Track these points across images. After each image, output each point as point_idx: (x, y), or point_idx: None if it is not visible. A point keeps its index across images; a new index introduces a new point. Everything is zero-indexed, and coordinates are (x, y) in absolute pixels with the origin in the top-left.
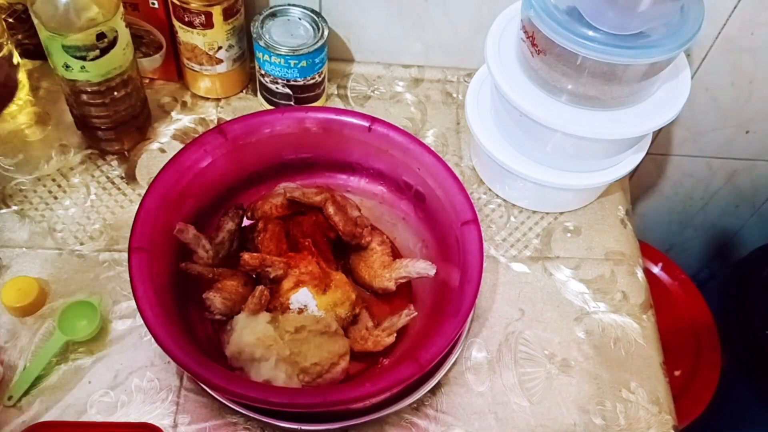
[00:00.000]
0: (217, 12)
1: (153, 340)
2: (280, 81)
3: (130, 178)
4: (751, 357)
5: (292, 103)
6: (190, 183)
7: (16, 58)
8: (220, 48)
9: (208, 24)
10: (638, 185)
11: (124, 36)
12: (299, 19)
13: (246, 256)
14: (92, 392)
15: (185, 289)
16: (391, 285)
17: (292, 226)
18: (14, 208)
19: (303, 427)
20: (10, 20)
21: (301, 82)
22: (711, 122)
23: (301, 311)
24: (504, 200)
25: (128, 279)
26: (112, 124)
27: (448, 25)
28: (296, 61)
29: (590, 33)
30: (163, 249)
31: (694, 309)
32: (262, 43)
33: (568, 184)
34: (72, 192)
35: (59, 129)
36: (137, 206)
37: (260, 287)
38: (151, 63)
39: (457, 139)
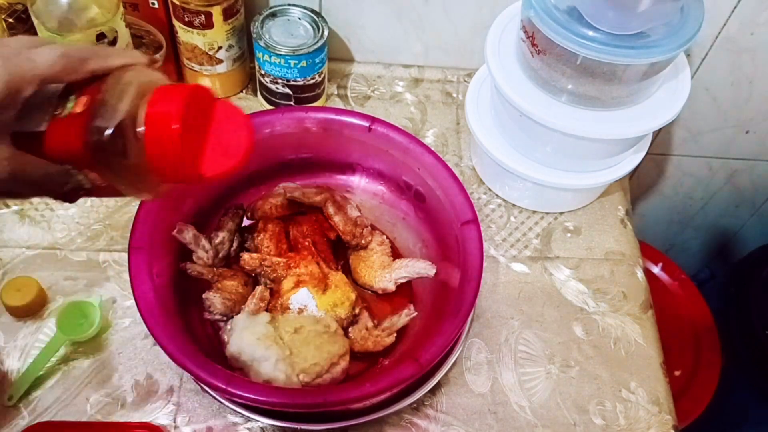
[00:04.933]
0: (217, 12)
1: (153, 339)
2: (280, 81)
3: None
4: (751, 357)
5: (292, 103)
6: None
7: None
8: (219, 48)
9: (208, 24)
10: (638, 185)
11: (124, 36)
12: (299, 19)
13: (246, 256)
14: (92, 392)
15: (185, 289)
16: (391, 285)
17: (292, 226)
18: (14, 208)
19: (303, 427)
20: (10, 20)
21: (301, 82)
22: (711, 122)
23: (301, 311)
24: (504, 200)
25: (128, 279)
26: None
27: (448, 25)
28: (296, 61)
29: (590, 33)
30: (163, 249)
31: (694, 309)
32: (262, 43)
33: (568, 184)
34: None
35: None
36: (137, 206)
37: (260, 287)
38: None
39: (457, 139)
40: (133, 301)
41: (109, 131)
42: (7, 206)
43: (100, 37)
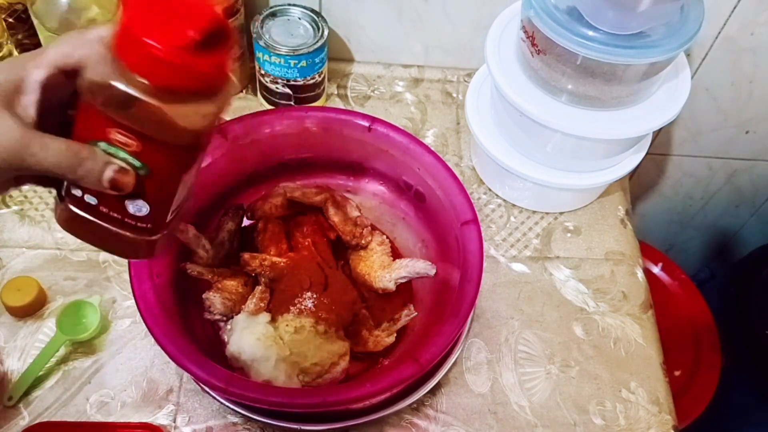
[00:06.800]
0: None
1: (153, 339)
2: (280, 81)
3: None
4: (751, 357)
5: (292, 103)
6: None
7: None
8: None
9: None
10: (638, 185)
11: None
12: (299, 18)
13: (246, 256)
14: (92, 392)
15: (185, 289)
16: (391, 285)
17: (292, 226)
18: (14, 208)
19: (303, 427)
20: (10, 20)
21: (301, 82)
22: (711, 122)
23: (301, 312)
24: (504, 200)
25: (128, 279)
26: None
27: (448, 25)
28: (296, 61)
29: (590, 33)
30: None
31: (694, 309)
32: (262, 42)
33: (568, 184)
34: None
35: None
36: None
37: (260, 287)
38: None
39: (457, 139)
40: (133, 301)
41: (101, 82)
42: (7, 206)
43: None
